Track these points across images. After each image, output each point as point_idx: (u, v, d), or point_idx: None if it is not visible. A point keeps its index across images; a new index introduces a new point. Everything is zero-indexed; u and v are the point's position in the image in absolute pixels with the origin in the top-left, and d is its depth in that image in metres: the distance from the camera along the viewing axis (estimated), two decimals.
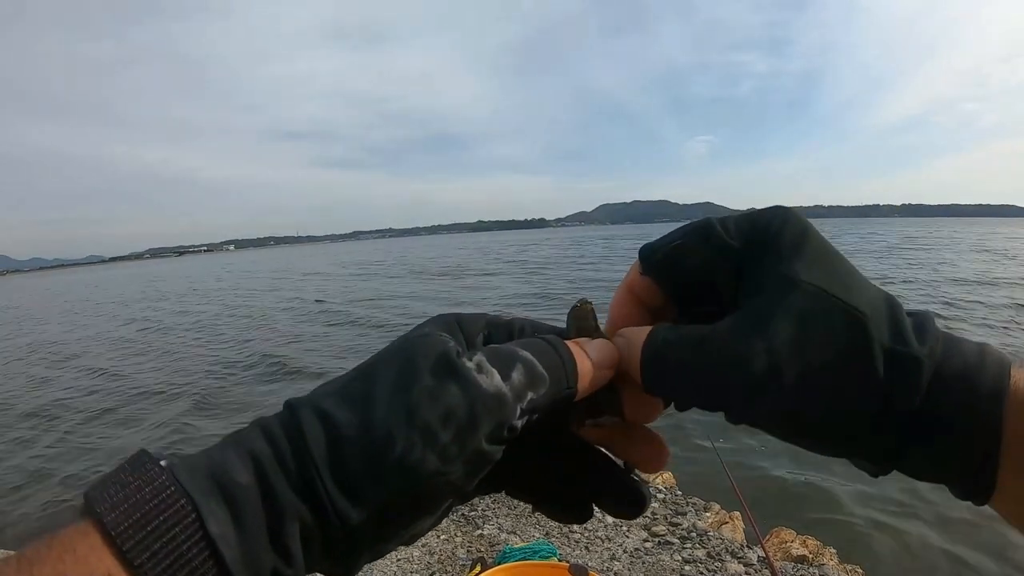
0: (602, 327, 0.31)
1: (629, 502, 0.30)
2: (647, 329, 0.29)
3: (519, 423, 0.25)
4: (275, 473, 0.22)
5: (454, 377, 0.24)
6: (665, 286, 0.30)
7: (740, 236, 0.28)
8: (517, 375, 0.25)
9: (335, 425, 0.23)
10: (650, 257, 0.31)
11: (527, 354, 0.26)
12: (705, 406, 0.27)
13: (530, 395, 0.25)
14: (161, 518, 0.19)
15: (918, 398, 0.24)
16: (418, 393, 0.23)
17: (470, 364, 0.24)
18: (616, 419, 0.30)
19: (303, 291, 20.03)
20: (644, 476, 0.31)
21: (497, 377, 0.24)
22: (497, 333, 0.30)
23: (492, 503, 2.89)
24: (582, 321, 0.30)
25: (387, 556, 0.28)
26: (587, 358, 0.28)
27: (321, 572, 0.24)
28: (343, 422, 0.23)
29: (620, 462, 0.31)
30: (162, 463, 0.21)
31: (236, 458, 0.22)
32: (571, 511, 0.31)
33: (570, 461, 0.31)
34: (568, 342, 0.28)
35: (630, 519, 0.31)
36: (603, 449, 0.31)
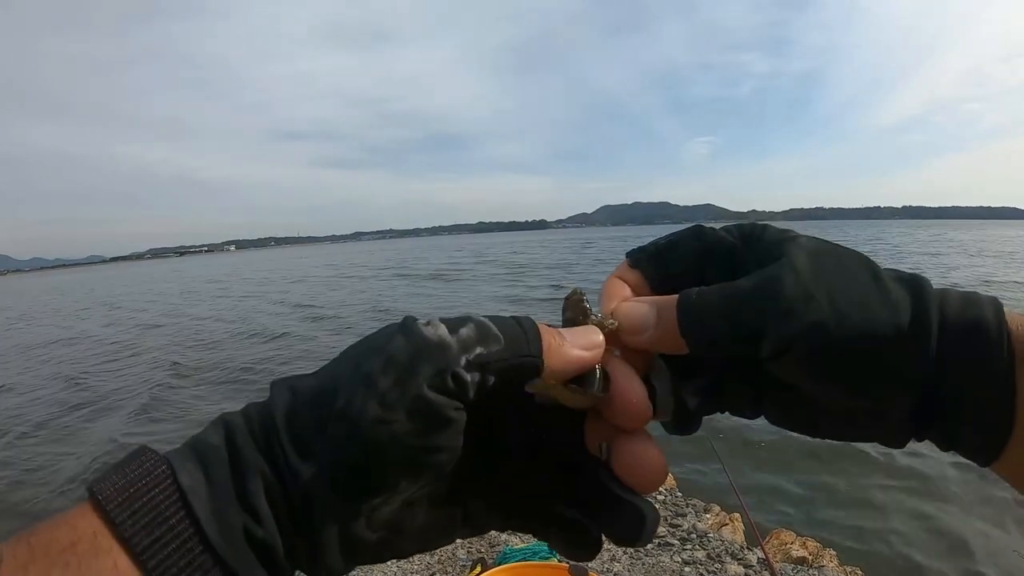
0: (596, 316, 0.30)
1: (627, 524, 0.27)
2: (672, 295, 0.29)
3: (467, 377, 0.24)
4: (242, 434, 0.23)
5: (402, 331, 0.25)
6: (652, 280, 0.32)
7: (730, 233, 0.31)
8: (466, 331, 0.25)
9: (297, 390, 0.25)
10: (638, 252, 0.33)
11: (482, 318, 0.26)
12: (743, 334, 0.26)
13: (479, 349, 0.24)
14: (143, 481, 0.21)
15: (936, 313, 0.25)
16: (367, 349, 0.25)
17: (419, 322, 0.25)
18: (602, 395, 0.28)
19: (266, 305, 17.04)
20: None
21: (443, 328, 0.24)
22: None
23: None
24: (573, 310, 0.30)
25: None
26: (558, 336, 0.27)
27: (300, 564, 0.24)
28: (304, 386, 0.25)
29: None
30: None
31: (212, 427, 0.24)
32: (581, 539, 0.29)
33: (580, 480, 0.29)
34: (541, 324, 0.28)
35: (631, 545, 0.28)
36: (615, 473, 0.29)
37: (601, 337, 0.28)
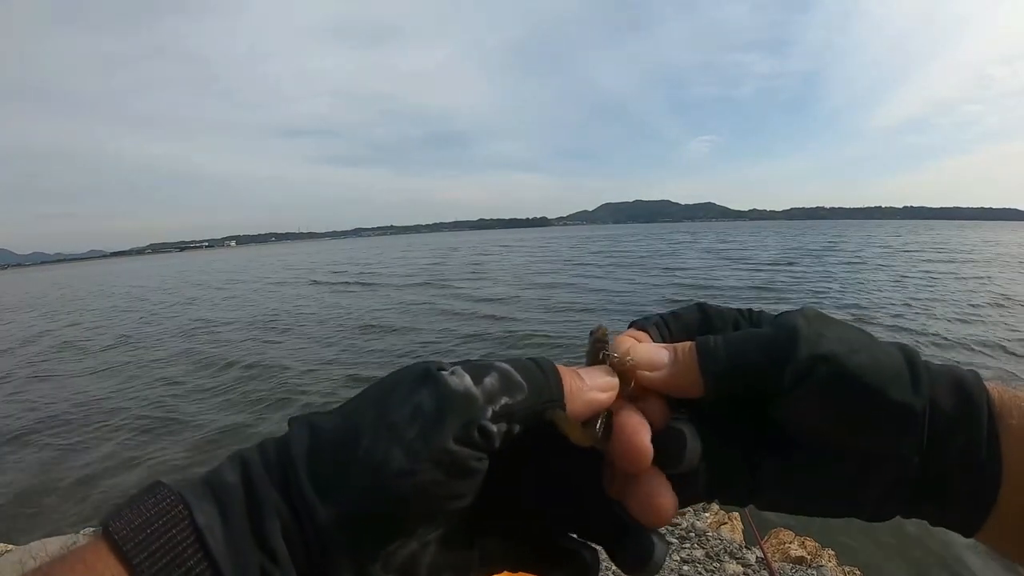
0: (614, 356, 0.31)
1: (637, 555, 0.28)
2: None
3: (493, 428, 0.24)
4: (258, 472, 0.23)
5: (427, 381, 0.25)
6: (657, 342, 0.33)
7: (730, 309, 0.34)
8: (490, 380, 0.25)
9: (318, 429, 0.24)
10: (642, 320, 0.34)
11: (504, 365, 0.26)
12: (765, 363, 0.28)
13: (504, 400, 0.25)
14: (160, 521, 0.21)
15: (928, 371, 0.28)
16: (393, 396, 0.24)
17: (443, 372, 0.25)
18: (601, 439, 0.28)
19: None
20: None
21: (468, 379, 0.25)
22: None
23: None
24: (595, 346, 0.31)
25: None
26: (578, 379, 0.28)
27: None
28: (325, 426, 0.24)
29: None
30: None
31: (228, 463, 0.23)
32: (581, 572, 0.30)
33: (592, 514, 0.30)
34: (560, 366, 0.28)
35: (638, 574, 0.28)
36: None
37: (615, 379, 0.29)
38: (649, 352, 0.30)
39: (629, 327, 0.34)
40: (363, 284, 20.37)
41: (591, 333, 0.32)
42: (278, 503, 0.22)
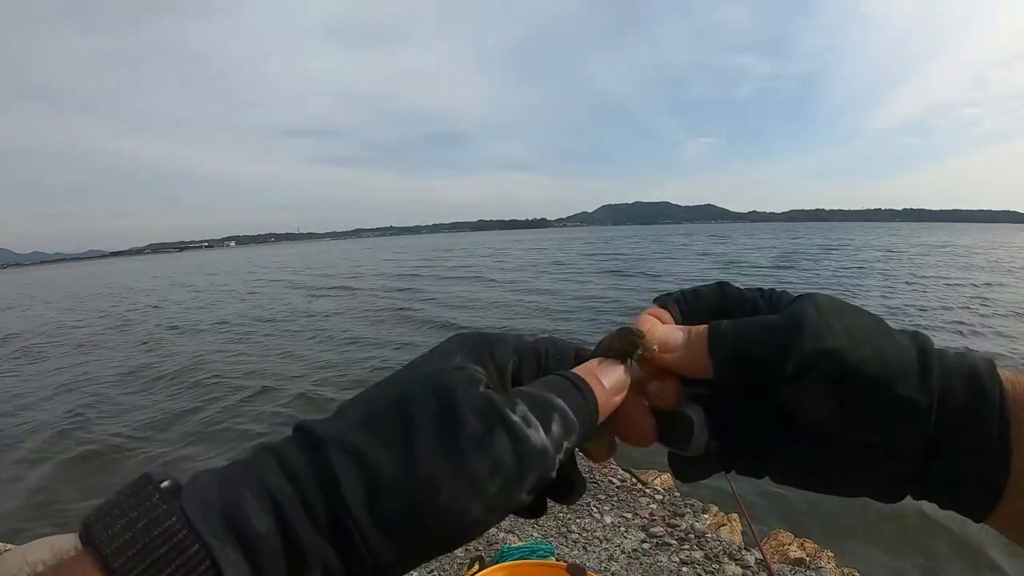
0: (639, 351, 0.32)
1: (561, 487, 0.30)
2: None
3: (554, 472, 0.26)
4: (299, 518, 0.21)
5: (503, 427, 0.24)
6: (678, 320, 0.34)
7: (751, 290, 0.34)
8: (556, 427, 0.26)
9: (373, 468, 0.22)
10: (665, 296, 0.36)
11: (561, 403, 0.27)
12: (768, 351, 0.28)
13: (566, 444, 0.26)
14: (173, 566, 0.18)
15: (937, 358, 0.28)
16: (466, 440, 0.23)
17: (515, 417, 0.25)
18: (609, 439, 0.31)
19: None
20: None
21: (542, 431, 0.25)
22: (526, 359, 0.31)
23: None
24: (626, 346, 0.31)
25: None
26: (603, 388, 0.29)
27: None
28: (382, 464, 0.22)
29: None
30: (164, 484, 0.20)
31: (252, 497, 0.20)
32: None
33: None
34: (585, 375, 0.29)
35: (562, 503, 0.31)
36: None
37: (628, 378, 0.31)
38: (665, 333, 0.31)
39: (653, 303, 0.36)
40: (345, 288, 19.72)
41: (626, 330, 0.32)
42: (324, 552, 0.21)
